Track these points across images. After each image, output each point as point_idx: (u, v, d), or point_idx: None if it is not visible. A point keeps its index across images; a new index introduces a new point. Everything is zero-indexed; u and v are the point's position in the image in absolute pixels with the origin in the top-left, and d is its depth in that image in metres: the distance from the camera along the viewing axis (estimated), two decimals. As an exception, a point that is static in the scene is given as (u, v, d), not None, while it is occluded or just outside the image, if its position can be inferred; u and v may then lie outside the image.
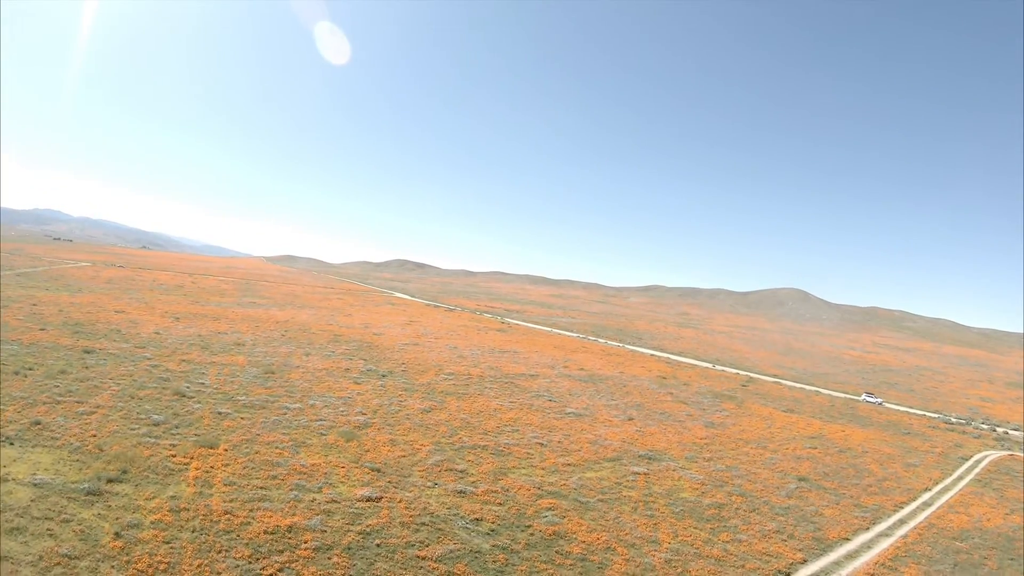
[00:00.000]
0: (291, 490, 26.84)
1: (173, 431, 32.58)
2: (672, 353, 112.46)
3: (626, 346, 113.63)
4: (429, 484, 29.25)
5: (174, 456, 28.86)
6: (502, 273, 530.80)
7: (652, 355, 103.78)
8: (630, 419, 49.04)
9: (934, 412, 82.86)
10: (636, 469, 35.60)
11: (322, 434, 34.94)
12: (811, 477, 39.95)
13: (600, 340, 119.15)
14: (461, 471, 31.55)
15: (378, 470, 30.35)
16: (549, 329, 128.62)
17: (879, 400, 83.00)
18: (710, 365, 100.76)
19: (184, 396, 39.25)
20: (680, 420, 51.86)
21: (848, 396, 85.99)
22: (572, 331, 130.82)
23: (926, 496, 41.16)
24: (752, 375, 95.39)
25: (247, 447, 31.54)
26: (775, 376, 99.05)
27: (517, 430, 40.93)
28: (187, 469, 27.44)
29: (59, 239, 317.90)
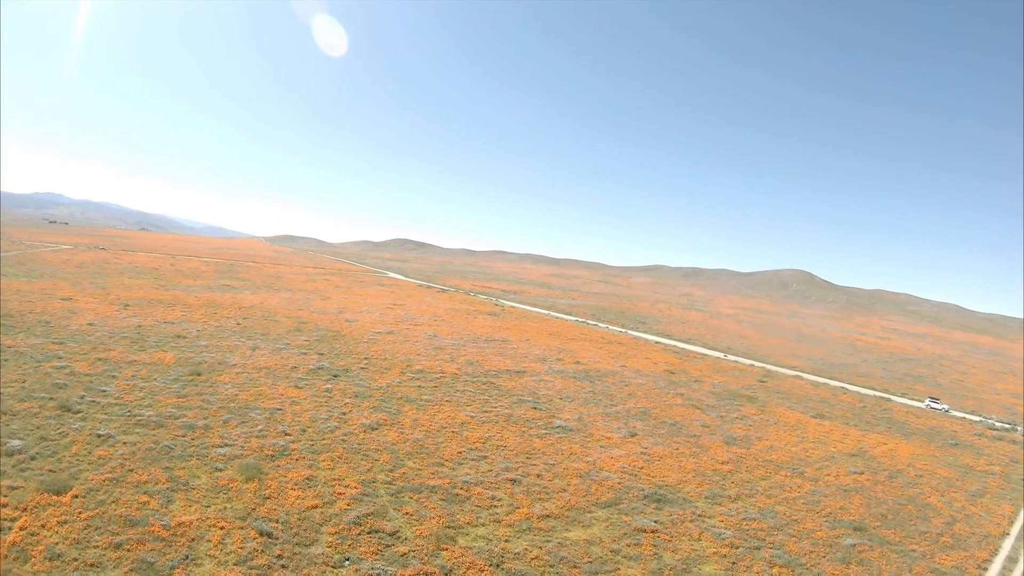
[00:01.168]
0: (129, 572, 17.73)
1: (25, 465, 23.63)
2: (679, 340, 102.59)
3: (629, 332, 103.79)
4: (334, 563, 19.70)
5: (3, 507, 20.16)
6: (503, 252, 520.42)
7: (657, 343, 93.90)
8: (633, 435, 39.32)
9: (972, 414, 72.97)
10: (641, 521, 25.87)
11: (217, 468, 25.44)
12: (868, 524, 30.20)
13: (601, 325, 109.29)
14: (390, 534, 21.95)
15: (270, 535, 20.82)
16: (546, 312, 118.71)
17: (945, 407, 72.02)
18: (721, 355, 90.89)
19: (69, 411, 29.93)
20: (695, 434, 42.14)
21: (878, 394, 76.11)
22: (571, 314, 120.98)
23: (1007, 545, 31.55)
24: (768, 367, 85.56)
25: (106, 492, 22.24)
26: (793, 368, 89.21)
27: (485, 456, 31.26)
28: (8, 531, 18.77)
29: (55, 222, 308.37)
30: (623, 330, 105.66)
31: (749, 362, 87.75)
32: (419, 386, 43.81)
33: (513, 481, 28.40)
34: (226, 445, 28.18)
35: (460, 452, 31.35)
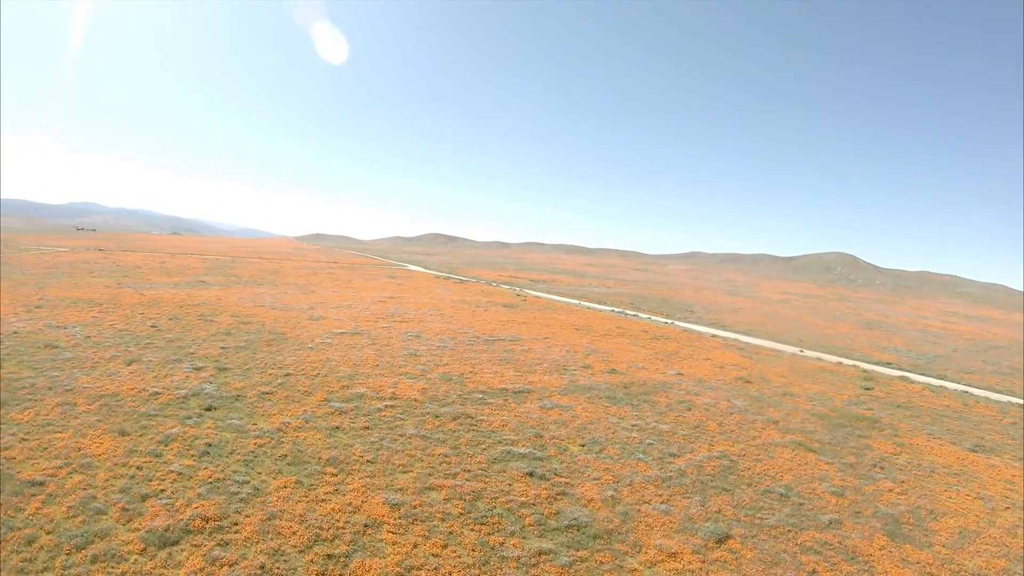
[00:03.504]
0: None
1: None
2: (736, 331, 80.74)
3: (676, 323, 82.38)
4: None
5: None
6: (537, 244, 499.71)
7: (714, 336, 72.37)
8: (722, 540, 19.05)
9: None
10: None
11: None
12: None
13: (641, 315, 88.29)
14: None
15: None
16: (576, 302, 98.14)
17: None
18: (796, 350, 68.92)
19: None
20: (829, 519, 21.46)
21: (1011, 399, 53.29)
22: (605, 304, 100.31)
23: None
24: (860, 365, 63.37)
25: None
26: (887, 364, 66.79)
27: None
28: None
29: (82, 229, 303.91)
30: (669, 321, 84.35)
31: (834, 359, 65.64)
32: (335, 428, 24.55)
33: None
34: None
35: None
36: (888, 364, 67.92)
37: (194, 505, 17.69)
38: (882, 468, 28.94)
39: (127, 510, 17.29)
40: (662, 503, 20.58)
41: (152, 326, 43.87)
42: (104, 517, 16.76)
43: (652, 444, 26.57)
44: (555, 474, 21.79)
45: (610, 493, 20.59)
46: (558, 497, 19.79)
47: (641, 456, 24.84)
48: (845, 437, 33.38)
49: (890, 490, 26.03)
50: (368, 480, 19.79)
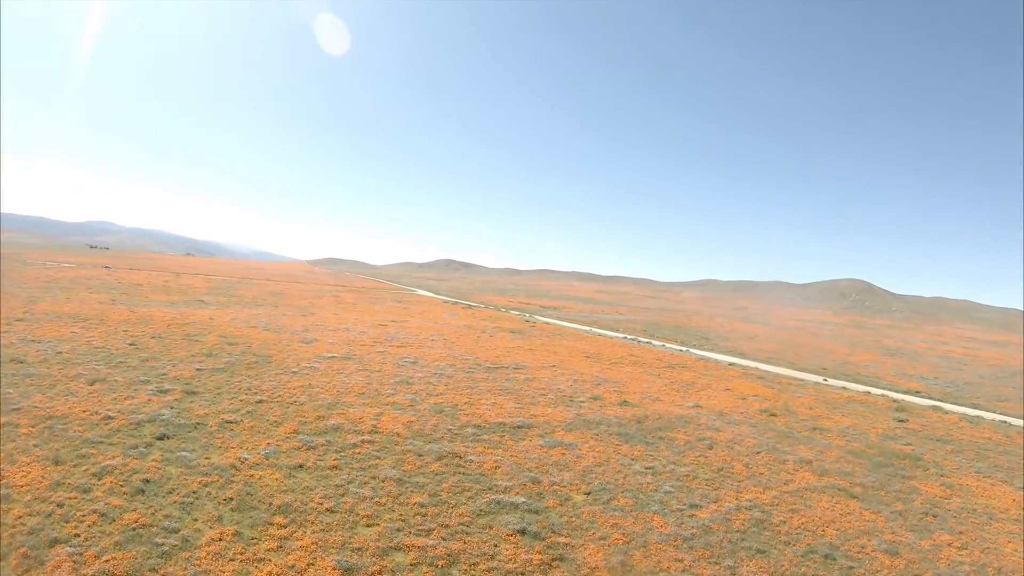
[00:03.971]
0: None
1: None
2: (755, 359, 76.16)
3: (691, 351, 78.06)
4: None
5: None
6: (549, 271, 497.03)
7: (732, 365, 67.97)
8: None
9: None
10: None
11: None
12: None
13: (655, 343, 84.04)
14: None
15: None
16: (587, 329, 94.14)
17: None
18: (820, 379, 64.21)
19: None
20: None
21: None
22: (617, 331, 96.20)
23: None
24: (889, 394, 58.62)
25: None
26: (916, 393, 61.91)
27: None
28: None
29: (96, 247, 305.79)
30: (684, 348, 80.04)
31: (860, 388, 60.91)
32: (297, 466, 20.90)
33: None
34: None
35: None
36: (917, 393, 63.09)
37: (105, 557, 14.21)
38: (935, 516, 24.68)
39: (28, 557, 13.90)
40: (683, 570, 16.59)
41: (131, 344, 40.84)
42: (1, 565, 13.34)
43: (670, 492, 22.51)
44: (553, 531, 17.86)
45: (619, 558, 16.60)
46: (554, 564, 15.84)
47: (657, 507, 20.82)
48: (888, 478, 29.09)
49: (948, 544, 21.84)
50: (322, 535, 16.08)
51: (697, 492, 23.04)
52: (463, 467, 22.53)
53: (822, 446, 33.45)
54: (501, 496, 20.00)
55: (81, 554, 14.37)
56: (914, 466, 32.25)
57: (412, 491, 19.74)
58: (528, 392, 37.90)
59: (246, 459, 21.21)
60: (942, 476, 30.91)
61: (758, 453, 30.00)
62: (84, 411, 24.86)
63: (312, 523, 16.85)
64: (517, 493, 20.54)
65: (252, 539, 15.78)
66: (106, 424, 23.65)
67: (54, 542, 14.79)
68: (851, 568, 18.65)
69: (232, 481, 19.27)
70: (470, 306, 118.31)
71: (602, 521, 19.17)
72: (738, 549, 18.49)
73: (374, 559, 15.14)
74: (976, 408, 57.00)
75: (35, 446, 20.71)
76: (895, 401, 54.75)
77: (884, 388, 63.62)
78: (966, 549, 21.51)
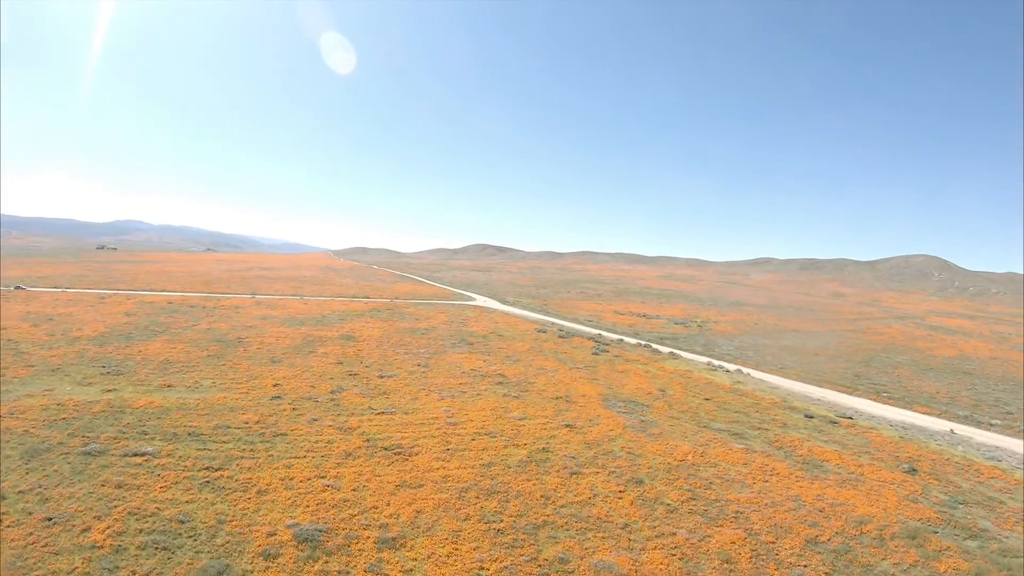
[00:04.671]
0: None
1: None
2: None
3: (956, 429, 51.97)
4: None
5: None
6: (592, 252, 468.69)
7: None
8: None
9: None
10: None
11: None
12: None
13: (861, 396, 58.15)
14: None
15: None
16: (728, 367, 67.66)
17: None
18: None
19: None
20: None
21: None
22: (796, 379, 70.42)
23: None
24: None
25: None
26: None
27: None
28: None
29: (103, 247, 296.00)
30: (903, 404, 54.07)
31: None
32: None
33: None
34: None
35: None
36: None
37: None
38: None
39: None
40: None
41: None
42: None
43: None
44: None
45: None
46: None
47: None
48: None
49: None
50: None
51: None
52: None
53: None
54: None
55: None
56: None
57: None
58: None
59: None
60: None
61: None
62: None
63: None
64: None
65: None
66: None
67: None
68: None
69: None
70: (564, 332, 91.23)
71: None
72: None
73: None
74: None
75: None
76: None
77: None
78: None
